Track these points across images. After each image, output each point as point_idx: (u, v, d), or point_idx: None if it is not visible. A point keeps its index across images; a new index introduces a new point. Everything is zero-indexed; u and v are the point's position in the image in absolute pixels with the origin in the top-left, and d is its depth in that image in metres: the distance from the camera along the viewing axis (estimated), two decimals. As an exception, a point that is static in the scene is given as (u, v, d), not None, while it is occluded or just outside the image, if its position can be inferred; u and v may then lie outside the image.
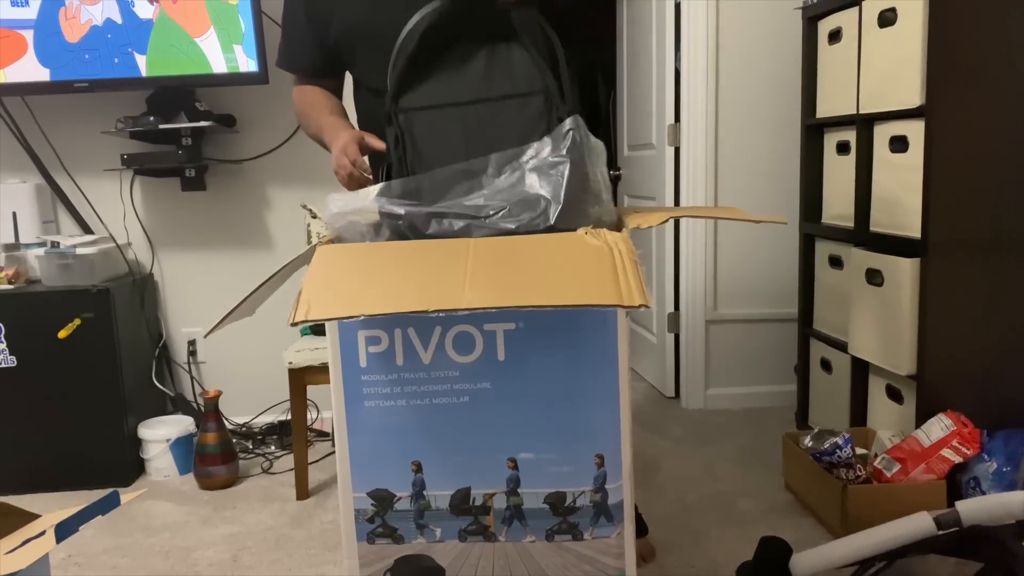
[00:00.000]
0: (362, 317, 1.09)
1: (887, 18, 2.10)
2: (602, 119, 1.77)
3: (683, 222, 3.13)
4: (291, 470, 2.43)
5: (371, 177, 1.56)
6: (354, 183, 1.54)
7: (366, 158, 1.57)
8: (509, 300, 1.15)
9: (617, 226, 1.40)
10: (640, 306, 1.12)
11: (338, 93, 1.76)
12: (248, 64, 2.61)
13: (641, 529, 1.95)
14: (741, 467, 2.51)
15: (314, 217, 2.55)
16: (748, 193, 3.05)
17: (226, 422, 2.67)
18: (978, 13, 1.93)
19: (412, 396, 1.34)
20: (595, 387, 1.33)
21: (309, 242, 2.61)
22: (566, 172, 1.34)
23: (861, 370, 2.34)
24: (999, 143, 1.97)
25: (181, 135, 2.70)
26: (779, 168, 3.02)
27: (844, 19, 2.33)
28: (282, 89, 2.84)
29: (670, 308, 3.25)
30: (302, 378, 2.30)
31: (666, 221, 1.44)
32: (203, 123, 2.68)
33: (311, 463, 2.47)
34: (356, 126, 1.73)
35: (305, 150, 2.90)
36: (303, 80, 1.75)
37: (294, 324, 1.11)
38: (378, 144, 1.53)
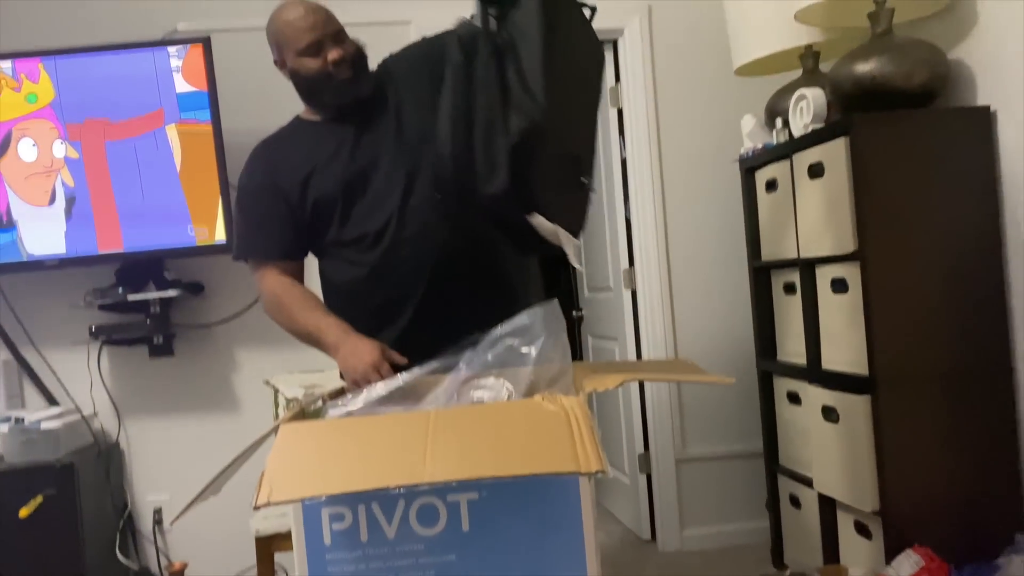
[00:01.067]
0: (324, 497, 1.11)
1: (816, 170, 2.25)
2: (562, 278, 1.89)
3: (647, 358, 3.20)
4: (261, 643, 2.35)
5: None
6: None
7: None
8: (469, 471, 1.19)
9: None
10: (597, 472, 1.16)
11: (300, 278, 1.80)
12: (217, 234, 2.70)
13: None
14: (721, 613, 2.47)
15: (276, 392, 2.57)
16: (705, 331, 3.14)
17: (192, 595, 2.59)
18: (896, 164, 2.09)
19: (377, 572, 1.34)
20: (561, 553, 1.34)
21: (276, 406, 2.62)
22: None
23: (829, 506, 2.36)
24: (931, 281, 2.09)
25: (150, 305, 2.76)
26: (733, 306, 3.12)
27: (778, 170, 2.49)
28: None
29: (640, 449, 3.26)
30: (269, 546, 2.26)
31: (621, 384, 1.50)
32: (172, 292, 2.74)
33: (281, 635, 2.39)
34: (321, 296, 1.80)
35: (272, 312, 2.96)
36: (268, 265, 1.77)
37: (257, 508, 1.13)
38: (401, 360, 1.60)
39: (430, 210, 1.66)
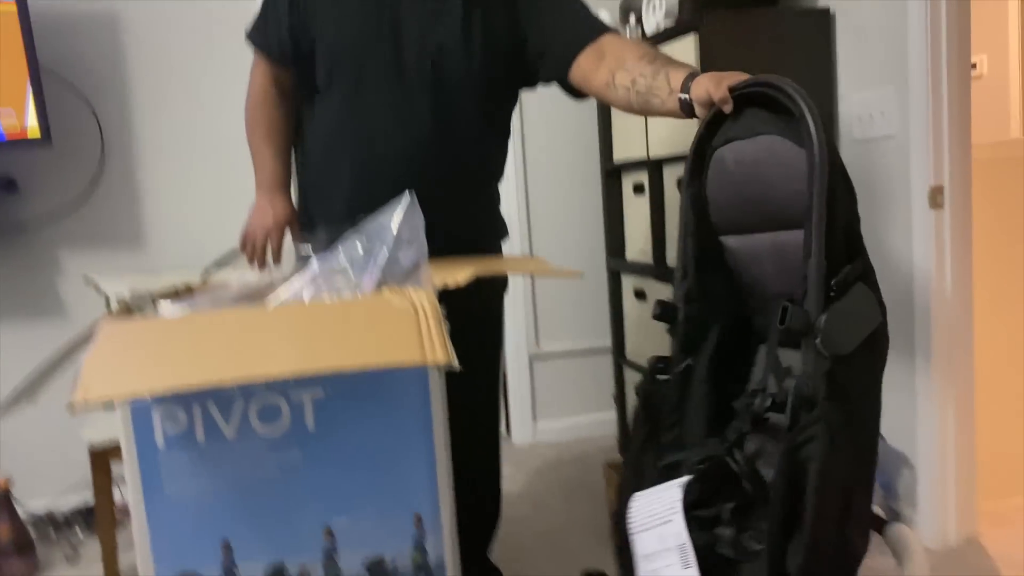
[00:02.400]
0: (148, 396, 1.03)
1: (667, 69, 2.26)
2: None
3: (501, 263, 3.21)
4: (99, 558, 2.25)
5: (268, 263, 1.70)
6: (250, 260, 1.69)
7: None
8: (309, 366, 1.14)
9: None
10: (444, 364, 1.14)
11: (287, 89, 1.75)
12: (29, 124, 2.44)
13: None
14: (569, 501, 2.58)
15: (97, 289, 2.39)
16: (559, 231, 3.18)
17: (21, 509, 2.43)
18: (742, 61, 2.09)
19: (216, 474, 1.28)
20: (410, 447, 1.33)
21: (109, 311, 2.44)
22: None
23: (670, 396, 2.47)
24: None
25: (-47, 200, 2.47)
26: (586, 206, 3.16)
27: (631, 69, 2.49)
28: (68, 150, 2.67)
29: (494, 348, 3.30)
30: (105, 457, 2.14)
31: (472, 279, 1.48)
32: (-21, 187, 2.47)
33: (123, 547, 2.29)
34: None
35: (99, 211, 2.73)
36: (264, 62, 1.74)
37: (73, 408, 1.04)
38: (297, 239, 1.67)
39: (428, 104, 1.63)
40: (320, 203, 1.74)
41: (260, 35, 1.73)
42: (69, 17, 2.63)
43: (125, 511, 2.65)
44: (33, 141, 2.46)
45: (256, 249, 1.70)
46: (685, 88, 1.43)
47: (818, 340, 1.15)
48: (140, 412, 1.26)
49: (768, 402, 1.22)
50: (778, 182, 1.29)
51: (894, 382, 2.11)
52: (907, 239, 2.03)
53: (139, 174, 2.76)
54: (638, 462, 1.41)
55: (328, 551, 1.33)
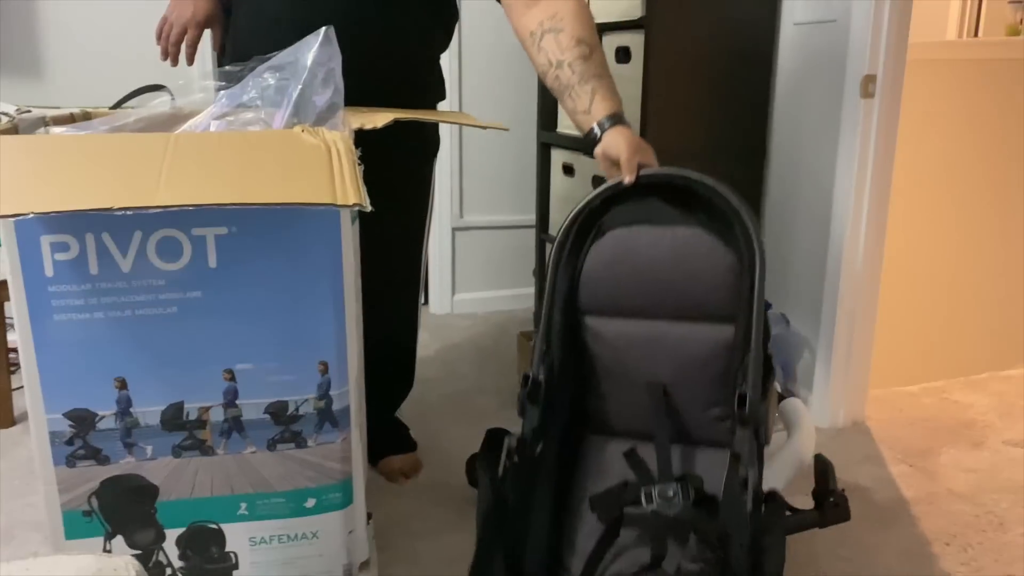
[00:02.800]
0: (31, 216, 0.96)
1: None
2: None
3: (429, 129, 3.11)
4: (-7, 397, 2.18)
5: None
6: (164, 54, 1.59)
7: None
8: (210, 197, 1.07)
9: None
10: (354, 206, 1.09)
11: None
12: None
13: (408, 445, 1.96)
14: (480, 367, 2.61)
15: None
16: (492, 101, 3.09)
17: (-91, 348, 2.32)
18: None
19: (111, 308, 1.22)
20: (318, 293, 1.30)
21: None
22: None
23: (589, 271, 2.49)
24: (709, 55, 2.13)
25: None
26: (518, 76, 3.07)
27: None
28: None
29: (417, 215, 3.25)
30: (-2, 294, 2.04)
31: (391, 122, 1.41)
32: None
33: (16, 389, 2.22)
34: None
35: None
36: None
37: (-52, 227, 0.96)
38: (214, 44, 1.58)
39: None
40: (248, 41, 1.60)
41: None
42: None
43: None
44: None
45: (171, 41, 1.59)
46: (602, 126, 1.42)
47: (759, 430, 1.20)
48: (26, 236, 1.18)
49: (680, 501, 1.22)
50: (701, 275, 1.32)
51: (806, 268, 2.17)
52: (834, 127, 2.04)
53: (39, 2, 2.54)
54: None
55: (229, 393, 1.30)
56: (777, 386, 1.68)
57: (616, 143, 1.38)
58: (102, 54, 2.56)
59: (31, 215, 0.97)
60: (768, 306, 2.17)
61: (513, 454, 1.31)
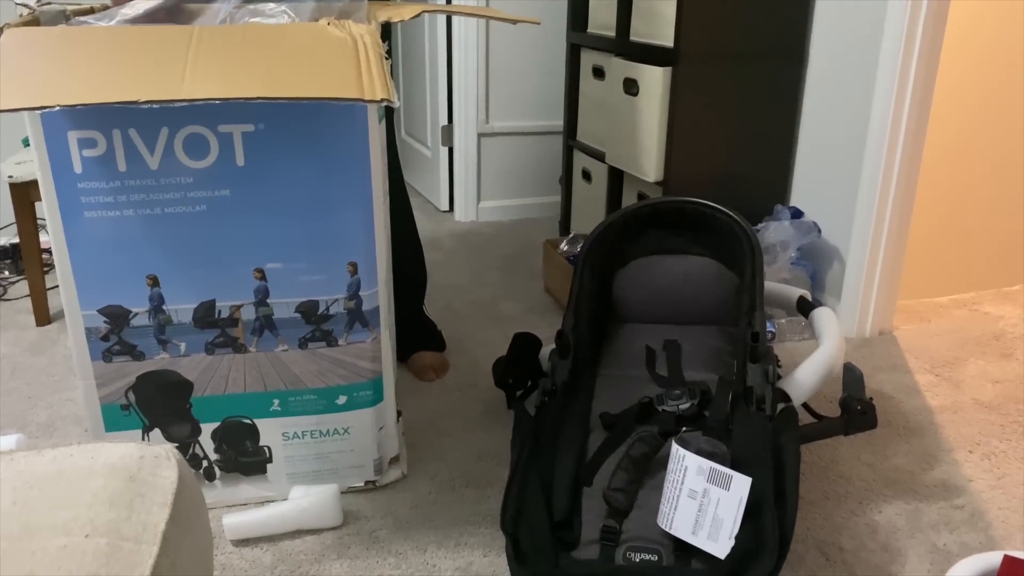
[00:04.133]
0: (58, 108, 0.95)
1: None
2: None
3: (456, 35, 3.02)
4: (28, 296, 2.22)
5: None
6: None
7: None
8: (236, 91, 1.05)
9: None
10: (382, 100, 1.06)
11: None
12: None
13: (438, 344, 1.99)
14: (506, 274, 2.61)
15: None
16: (521, 1, 2.98)
17: (-56, 248, 2.36)
18: None
19: (140, 205, 1.22)
20: (346, 192, 1.29)
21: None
22: None
23: (617, 179, 2.45)
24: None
25: None
26: (550, -25, 2.96)
27: None
28: None
29: (444, 121, 3.20)
30: (27, 194, 2.05)
31: (419, 15, 1.36)
32: None
33: (52, 288, 2.26)
34: None
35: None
36: None
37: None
38: None
39: None
40: None
41: None
42: None
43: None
44: None
45: None
46: None
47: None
48: (54, 134, 1.17)
49: (688, 403, 1.35)
50: (709, 296, 1.58)
51: (839, 175, 2.12)
52: (878, 25, 1.95)
53: None
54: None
55: (260, 292, 1.31)
56: (807, 294, 1.67)
57: None
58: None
59: (56, 107, 0.96)
60: (799, 214, 2.14)
61: (546, 395, 1.44)
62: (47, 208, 1.22)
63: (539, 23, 1.38)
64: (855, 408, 1.37)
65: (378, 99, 1.06)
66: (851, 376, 1.39)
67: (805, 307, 1.63)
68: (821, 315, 1.56)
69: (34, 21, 1.25)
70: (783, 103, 2.21)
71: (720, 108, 2.14)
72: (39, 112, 1.14)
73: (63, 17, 1.37)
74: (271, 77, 1.08)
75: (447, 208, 3.31)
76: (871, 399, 1.38)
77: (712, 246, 1.55)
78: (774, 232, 2.07)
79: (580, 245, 2.15)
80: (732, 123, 2.17)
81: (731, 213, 1.50)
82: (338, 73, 1.10)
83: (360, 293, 1.35)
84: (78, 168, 1.19)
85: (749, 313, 1.40)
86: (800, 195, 2.26)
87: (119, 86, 1.01)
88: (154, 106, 0.98)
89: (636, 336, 1.55)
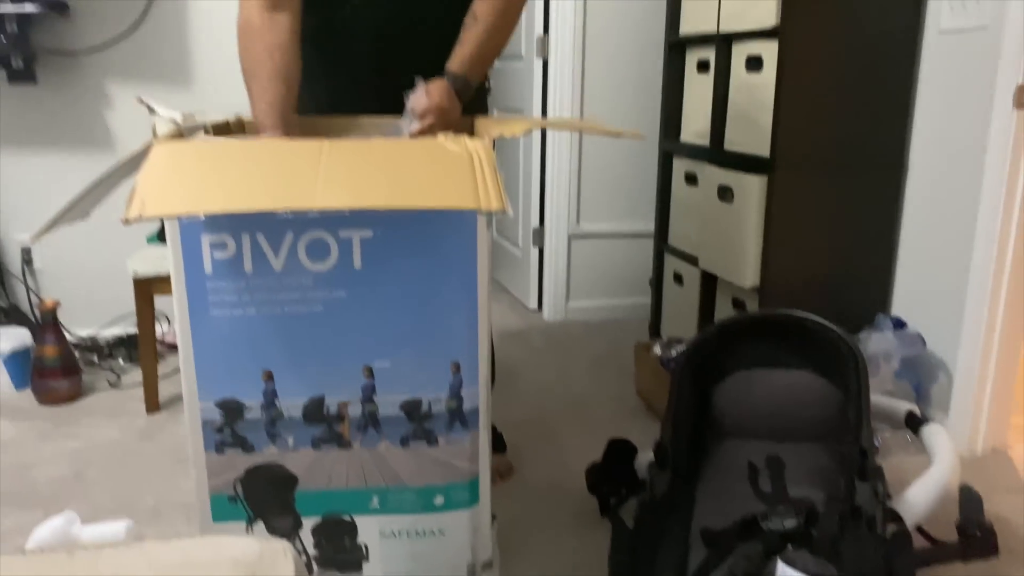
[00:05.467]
0: (203, 215, 1.03)
1: (749, -63, 2.12)
2: None
3: (549, 139, 3.14)
4: (140, 384, 2.33)
5: None
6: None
7: None
8: (364, 201, 1.12)
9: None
10: (498, 211, 1.11)
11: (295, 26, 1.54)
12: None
13: (499, 446, 1.99)
14: (596, 375, 2.61)
15: (152, 112, 2.37)
16: (613, 107, 3.08)
17: (67, 335, 2.51)
18: (833, -63, 1.99)
19: (262, 304, 1.29)
20: (453, 295, 1.33)
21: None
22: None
23: (710, 283, 2.45)
24: (846, 63, 2.07)
25: (4, 20, 2.43)
26: (644, 84, 3.05)
27: (709, -64, 2.34)
28: (120, -27, 2.60)
29: (535, 223, 3.28)
30: (149, 288, 2.18)
31: (528, 132, 1.43)
32: (29, 8, 2.42)
33: (162, 377, 2.37)
34: None
35: (150, 44, 2.68)
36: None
37: (127, 221, 1.03)
38: None
39: None
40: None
41: None
42: None
43: (164, 344, 2.74)
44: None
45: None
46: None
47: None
48: (189, 236, 1.26)
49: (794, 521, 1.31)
50: (812, 413, 1.52)
51: (945, 285, 2.07)
52: (982, 139, 1.93)
53: (192, 7, 2.70)
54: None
55: (367, 389, 1.35)
56: (915, 409, 1.62)
57: (420, 93, 1.47)
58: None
59: (202, 215, 1.03)
60: (902, 324, 2.09)
61: (644, 508, 1.43)
62: (176, 305, 1.29)
63: (644, 137, 1.43)
64: (974, 533, 1.29)
65: (493, 209, 1.11)
66: (969, 498, 1.33)
67: (914, 423, 1.57)
68: (933, 432, 1.50)
69: (179, 134, 1.36)
70: (883, 211, 2.19)
71: (818, 216, 2.14)
72: (179, 218, 1.23)
73: (203, 129, 1.49)
74: (394, 187, 1.15)
75: (536, 307, 3.36)
76: (990, 523, 1.31)
77: (814, 360, 1.52)
78: (876, 342, 2.02)
79: (674, 349, 2.14)
80: (830, 231, 2.16)
81: (834, 327, 1.48)
82: (455, 184, 1.16)
83: (461, 393, 1.37)
84: (208, 269, 1.27)
85: (856, 430, 1.36)
86: (902, 304, 2.21)
87: (257, 195, 1.09)
88: (289, 215, 1.04)
89: (737, 450, 1.52)
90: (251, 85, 1.49)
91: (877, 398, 1.66)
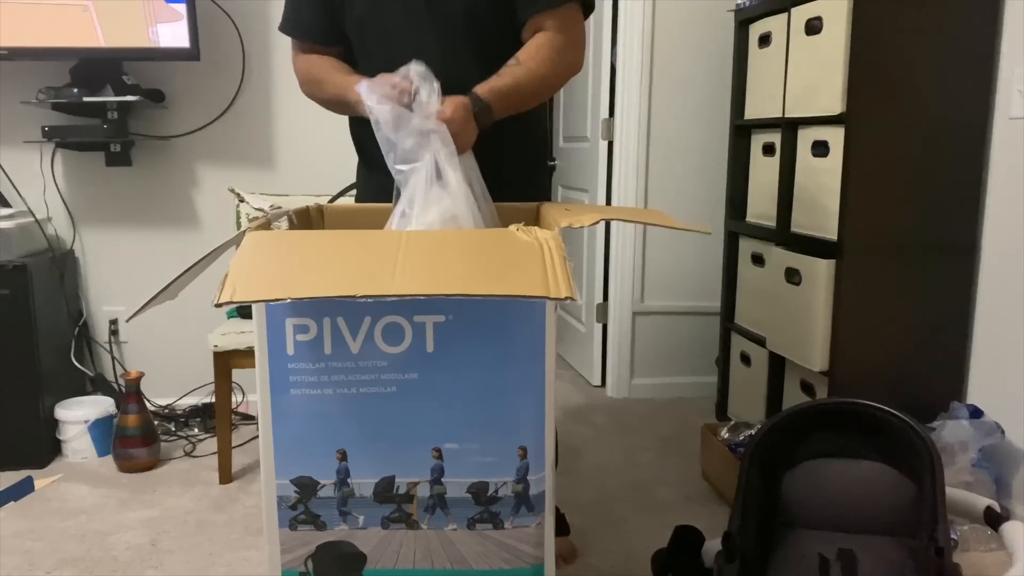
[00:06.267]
0: (288, 300, 1.09)
1: (814, 26, 2.17)
2: (539, 111, 1.81)
3: (614, 215, 3.18)
4: (214, 453, 2.41)
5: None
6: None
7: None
8: (438, 288, 1.17)
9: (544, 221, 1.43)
10: (566, 298, 1.15)
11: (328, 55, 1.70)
12: (179, 39, 2.55)
13: (562, 529, 1.98)
14: (661, 456, 2.58)
15: (242, 201, 2.51)
16: (678, 189, 3.12)
17: (148, 404, 2.62)
18: (898, 25, 2.02)
19: (339, 385, 1.34)
20: (521, 380, 1.36)
21: (238, 225, 2.57)
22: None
23: (778, 365, 2.43)
24: (913, 150, 2.07)
25: (107, 108, 2.62)
26: (708, 165, 3.10)
27: (774, 24, 2.40)
28: (213, 66, 2.79)
29: (599, 299, 3.31)
30: (227, 362, 2.27)
31: (596, 223, 1.48)
32: (130, 97, 2.61)
33: (235, 447, 2.44)
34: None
35: (237, 129, 2.85)
36: (306, 47, 1.69)
37: (219, 305, 1.10)
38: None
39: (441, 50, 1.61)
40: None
41: (293, 24, 1.69)
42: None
43: (238, 414, 2.82)
44: (183, 55, 2.57)
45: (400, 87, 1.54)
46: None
47: None
48: (274, 318, 1.32)
49: None
50: (884, 506, 1.51)
51: (1022, 373, 2.01)
52: (1058, 226, 1.91)
53: (275, 98, 2.86)
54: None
55: (436, 471, 1.38)
56: (995, 505, 1.56)
57: (435, 100, 1.49)
58: (320, 150, 2.84)
59: (288, 300, 1.10)
60: (978, 413, 2.03)
61: None
62: (259, 384, 1.35)
63: (710, 233, 1.46)
64: (1061, 640, 1.24)
65: (562, 297, 1.15)
66: (1055, 602, 1.27)
67: (994, 519, 1.52)
68: (1014, 530, 1.45)
69: (266, 223, 1.44)
70: (955, 296, 2.15)
71: (888, 300, 2.11)
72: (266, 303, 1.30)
73: (287, 217, 1.58)
74: (468, 275, 1.20)
75: (599, 383, 3.36)
76: (1080, 630, 1.25)
77: (886, 451, 1.50)
78: (951, 432, 1.96)
79: (742, 434, 2.12)
80: (901, 315, 2.13)
81: (906, 418, 1.46)
82: (526, 272, 1.21)
83: (528, 477, 1.39)
84: (290, 350, 1.33)
85: (931, 525, 1.33)
86: (978, 392, 2.15)
87: (339, 282, 1.15)
88: (368, 300, 1.10)
89: (807, 543, 1.49)
90: (332, 91, 1.63)
91: (954, 491, 1.61)
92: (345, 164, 1.96)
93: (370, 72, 1.63)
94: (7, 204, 2.76)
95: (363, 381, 1.34)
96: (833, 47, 2.08)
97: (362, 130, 1.68)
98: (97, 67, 2.63)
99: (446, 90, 1.59)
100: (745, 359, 2.65)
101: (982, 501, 1.58)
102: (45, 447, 2.54)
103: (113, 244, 2.88)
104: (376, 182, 1.69)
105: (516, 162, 1.73)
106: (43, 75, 2.66)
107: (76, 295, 2.86)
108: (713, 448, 2.31)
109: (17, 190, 2.78)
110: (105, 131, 2.65)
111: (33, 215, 2.70)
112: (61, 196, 2.81)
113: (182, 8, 2.52)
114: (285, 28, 1.72)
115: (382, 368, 1.34)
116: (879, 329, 2.13)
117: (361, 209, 1.72)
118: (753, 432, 2.09)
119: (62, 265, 2.73)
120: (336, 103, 1.65)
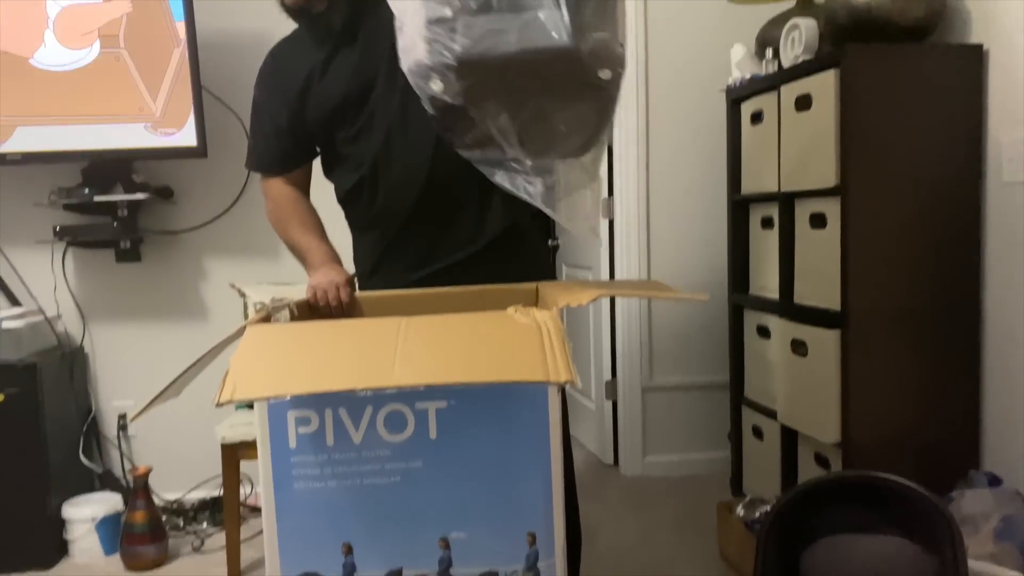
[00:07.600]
0: (289, 397, 1.09)
1: (803, 103, 2.22)
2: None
3: (619, 291, 3.20)
4: (223, 548, 2.37)
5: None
6: (324, 310, 1.67)
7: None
8: (438, 377, 1.18)
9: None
10: (566, 382, 1.15)
11: (306, 186, 1.83)
12: (187, 138, 2.62)
13: None
14: (677, 534, 2.53)
15: (243, 295, 2.53)
16: (679, 263, 3.14)
17: (156, 499, 2.59)
18: (885, 95, 2.07)
19: (343, 477, 1.33)
20: (527, 464, 1.35)
21: (246, 316, 2.59)
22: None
23: (790, 437, 2.40)
24: (910, 218, 2.09)
25: (117, 207, 2.69)
26: (709, 238, 3.12)
27: (764, 102, 2.46)
28: (219, 162, 2.86)
29: (607, 376, 3.29)
30: (235, 454, 2.26)
31: (594, 300, 1.49)
32: (140, 195, 2.67)
33: (245, 540, 2.40)
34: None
35: (242, 222, 2.90)
36: (272, 176, 1.80)
37: (219, 405, 1.11)
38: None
39: (422, 132, 1.62)
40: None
41: (258, 161, 1.79)
42: (227, 37, 2.82)
43: (247, 507, 2.79)
44: (191, 154, 2.65)
45: (331, 297, 1.66)
46: None
47: None
48: (276, 412, 1.32)
49: None
50: (903, 573, 1.50)
51: (1039, 440, 1.98)
52: (1060, 288, 1.90)
53: (280, 189, 2.92)
54: None
55: (444, 562, 1.35)
56: (1020, 576, 1.52)
57: None
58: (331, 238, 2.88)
59: (288, 397, 1.10)
60: (997, 481, 1.99)
61: None
62: (262, 479, 1.34)
63: (706, 299, 1.47)
64: None
65: (562, 381, 1.15)
66: None
67: (1019, 591, 1.48)
68: (1041, 602, 1.41)
69: (267, 317, 1.46)
70: (963, 359, 2.14)
71: (897, 367, 2.10)
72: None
73: (287, 309, 1.60)
74: (467, 361, 1.21)
75: (611, 462, 3.31)
76: None
77: (905, 525, 1.47)
78: (971, 501, 1.92)
79: (758, 510, 2.08)
80: (911, 381, 2.11)
81: (923, 491, 1.43)
82: (525, 356, 1.21)
83: (538, 564, 1.36)
84: (293, 444, 1.33)
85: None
86: (995, 459, 2.11)
87: (339, 375, 1.16)
88: (369, 393, 1.10)
89: (829, 620, 1.45)
90: (296, 242, 1.80)
91: (978, 565, 1.57)
92: (345, 247, 1.99)
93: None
94: (17, 303, 2.80)
95: (366, 472, 1.33)
96: (824, 121, 2.12)
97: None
98: (108, 167, 2.70)
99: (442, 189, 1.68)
100: (757, 432, 2.61)
101: (1009, 574, 1.54)
102: (51, 547, 2.51)
103: (123, 339, 2.90)
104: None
105: (522, 268, 1.74)
106: (55, 175, 2.73)
107: (85, 391, 2.87)
108: (729, 526, 2.26)
109: (28, 289, 2.82)
110: (115, 229, 2.71)
111: (43, 313, 2.74)
112: (71, 293, 2.85)
113: (189, 109, 2.61)
114: (253, 165, 1.81)
115: (385, 457, 1.33)
116: (890, 397, 2.10)
117: (363, 297, 1.74)
118: (768, 508, 2.05)
119: (71, 361, 2.75)
120: (295, 252, 1.84)
